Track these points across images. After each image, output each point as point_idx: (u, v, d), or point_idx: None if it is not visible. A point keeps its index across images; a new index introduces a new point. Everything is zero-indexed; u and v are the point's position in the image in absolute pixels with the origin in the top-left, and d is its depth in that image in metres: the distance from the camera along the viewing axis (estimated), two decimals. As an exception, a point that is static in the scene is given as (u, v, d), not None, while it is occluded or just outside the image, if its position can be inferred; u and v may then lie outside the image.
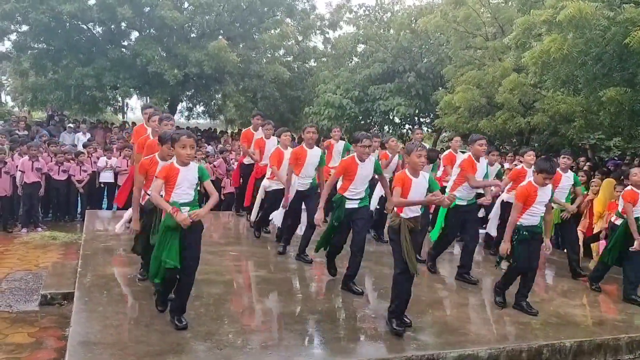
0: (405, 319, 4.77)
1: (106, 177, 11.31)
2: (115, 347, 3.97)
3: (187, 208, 4.30)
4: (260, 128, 8.46)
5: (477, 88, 14.16)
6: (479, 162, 6.29)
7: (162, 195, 4.34)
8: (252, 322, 4.74)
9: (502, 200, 7.25)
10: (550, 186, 5.36)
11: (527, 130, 14.70)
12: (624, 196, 6.15)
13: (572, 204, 7.04)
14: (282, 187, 6.98)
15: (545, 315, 5.40)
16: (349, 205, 5.55)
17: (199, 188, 4.47)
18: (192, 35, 20.07)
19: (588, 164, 11.30)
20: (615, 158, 14.95)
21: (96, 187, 11.42)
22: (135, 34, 20.00)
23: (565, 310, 5.61)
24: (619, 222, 6.20)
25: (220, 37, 18.69)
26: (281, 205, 6.75)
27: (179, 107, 23.92)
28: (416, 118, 22.30)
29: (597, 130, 12.70)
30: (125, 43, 20.04)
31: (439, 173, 8.36)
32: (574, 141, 13.90)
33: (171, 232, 4.23)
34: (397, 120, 22.23)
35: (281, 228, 7.18)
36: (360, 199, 5.61)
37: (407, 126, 22.86)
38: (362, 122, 21.85)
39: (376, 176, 5.86)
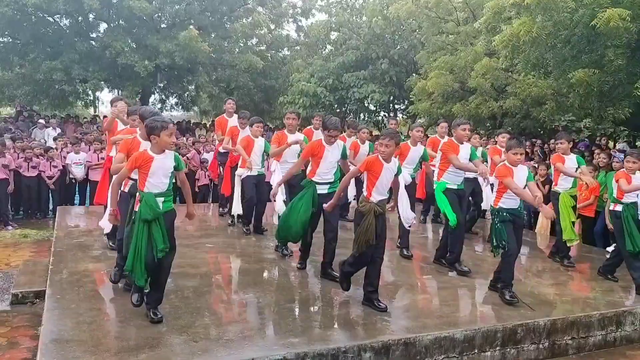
0: (380, 304, 4.81)
1: (76, 172, 11.07)
2: (88, 343, 3.91)
3: (162, 198, 4.24)
4: (234, 115, 8.41)
5: (450, 73, 14.26)
6: (462, 144, 6.24)
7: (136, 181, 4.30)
8: (228, 314, 4.71)
9: (492, 183, 7.27)
10: (525, 171, 5.34)
11: (500, 114, 14.86)
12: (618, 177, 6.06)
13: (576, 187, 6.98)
14: (255, 174, 7.10)
15: (520, 295, 5.46)
16: (320, 190, 5.55)
17: (174, 178, 4.40)
18: (162, 26, 19.76)
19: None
20: (586, 140, 15.20)
21: (67, 183, 11.18)
22: (103, 26, 19.62)
23: (539, 290, 5.71)
24: (618, 207, 6.03)
25: (191, 27, 18.43)
26: (271, 194, 6.57)
27: (151, 99, 23.57)
28: (391, 105, 22.39)
29: (568, 113, 12.89)
30: (94, 35, 19.64)
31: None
32: (546, 124, 14.08)
33: (149, 224, 4.16)
34: (372, 107, 22.31)
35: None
36: (329, 183, 5.61)
37: (382, 113, 22.95)
38: (338, 110, 21.85)
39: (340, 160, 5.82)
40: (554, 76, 10.74)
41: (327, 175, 5.62)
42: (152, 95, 23.50)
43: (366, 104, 21.47)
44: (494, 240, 5.27)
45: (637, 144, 14.39)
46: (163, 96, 24.26)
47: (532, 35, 9.16)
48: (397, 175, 4.99)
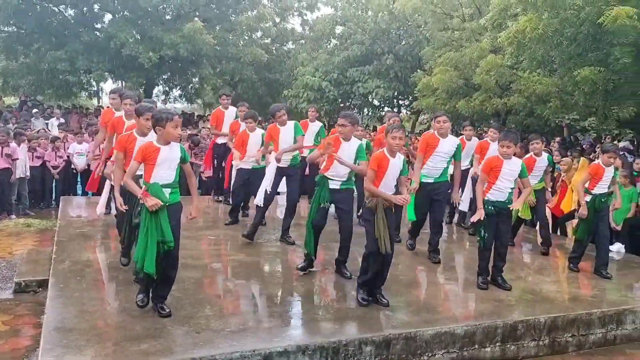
0: (382, 299, 4.81)
1: (78, 162, 11.09)
2: (91, 332, 3.93)
3: (169, 190, 4.24)
4: (230, 107, 8.47)
5: (454, 70, 14.23)
6: (443, 138, 6.27)
7: (141, 176, 4.26)
8: (230, 305, 4.73)
9: (473, 176, 7.32)
10: (518, 161, 5.42)
11: (504, 111, 14.84)
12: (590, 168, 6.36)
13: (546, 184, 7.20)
14: (249, 168, 7.13)
15: (520, 292, 5.49)
16: (332, 185, 5.45)
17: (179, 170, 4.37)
18: (166, 17, 19.74)
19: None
20: (591, 139, 15.18)
21: (71, 174, 11.22)
22: (108, 17, 19.62)
23: (540, 287, 5.71)
24: (587, 198, 6.27)
25: (195, 18, 18.41)
26: (275, 157, 6.53)
27: (155, 90, 23.59)
28: (395, 100, 22.36)
29: (572, 111, 12.87)
30: (99, 26, 19.65)
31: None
32: (550, 122, 14.06)
33: (156, 215, 4.15)
34: (376, 102, 22.29)
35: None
36: (342, 180, 5.48)
37: (386, 108, 22.92)
38: (342, 104, 21.83)
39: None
40: (559, 74, 10.73)
41: (339, 172, 5.44)
42: (156, 87, 23.52)
43: (370, 99, 21.46)
44: (477, 233, 5.55)
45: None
46: (167, 88, 24.28)
47: (538, 33, 9.14)
48: (402, 174, 4.90)
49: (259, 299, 4.95)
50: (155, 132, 4.27)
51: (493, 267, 5.57)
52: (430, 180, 6.28)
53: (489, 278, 5.55)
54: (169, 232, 4.16)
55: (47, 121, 14.76)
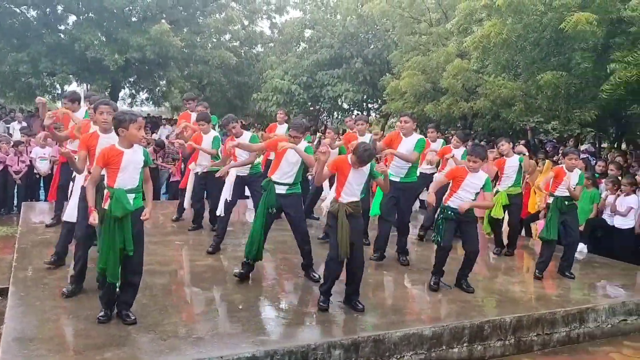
0: (358, 305, 4.81)
1: (41, 167, 10.81)
2: (52, 342, 3.83)
3: (133, 195, 4.16)
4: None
5: (422, 73, 14.39)
6: (405, 137, 6.36)
7: (104, 180, 4.16)
8: (197, 312, 4.67)
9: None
10: (484, 176, 5.47)
11: (471, 115, 15.06)
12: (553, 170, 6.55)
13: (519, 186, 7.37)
14: (203, 172, 7.19)
15: (487, 293, 5.58)
16: (278, 190, 5.39)
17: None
18: (133, 19, 19.44)
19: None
20: (554, 140, 15.55)
21: (34, 179, 10.92)
22: (72, 18, 19.18)
23: (506, 287, 5.81)
24: (550, 200, 6.39)
25: (162, 20, 18.17)
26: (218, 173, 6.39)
27: (121, 94, 23.18)
28: (364, 104, 22.47)
29: (536, 114, 13.14)
30: (62, 27, 19.19)
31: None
32: (515, 125, 14.33)
33: (120, 222, 4.06)
34: (345, 106, 22.35)
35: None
36: (288, 184, 5.43)
37: (355, 112, 23.01)
38: (311, 107, 21.86)
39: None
40: (523, 78, 10.95)
41: (287, 175, 5.41)
42: (122, 90, 23.11)
43: (340, 103, 21.52)
44: (435, 232, 5.65)
45: (602, 145, 14.78)
46: (133, 91, 23.88)
47: (502, 37, 9.31)
48: (373, 177, 4.93)
49: (227, 304, 4.90)
50: (118, 134, 4.18)
51: (459, 272, 5.65)
52: (397, 179, 6.31)
53: (442, 279, 5.63)
54: (130, 240, 4.08)
55: (8, 125, 14.35)
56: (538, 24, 9.23)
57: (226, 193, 6.44)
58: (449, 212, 5.46)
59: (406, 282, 5.92)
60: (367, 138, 6.98)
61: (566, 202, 6.25)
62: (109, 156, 4.10)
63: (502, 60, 10.65)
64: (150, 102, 25.22)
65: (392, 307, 5.03)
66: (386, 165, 5.89)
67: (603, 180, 8.54)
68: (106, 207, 4.10)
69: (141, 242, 4.26)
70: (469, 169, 5.43)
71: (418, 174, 6.77)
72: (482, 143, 12.01)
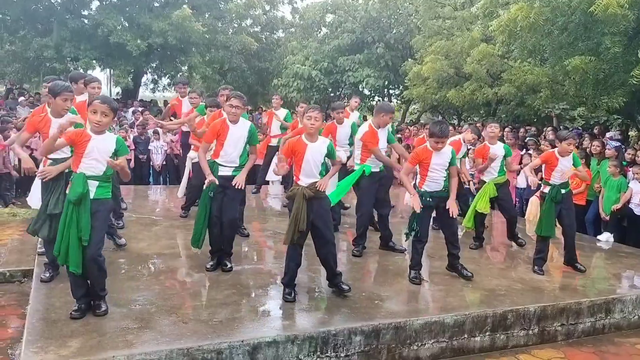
0: (343, 286, 4.71)
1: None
2: (76, 323, 3.87)
3: (96, 182, 3.98)
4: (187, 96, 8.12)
5: (445, 59, 14.18)
6: (379, 129, 6.06)
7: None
8: (219, 296, 4.66)
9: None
10: (448, 150, 5.25)
11: (495, 101, 14.82)
12: (541, 156, 6.18)
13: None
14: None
15: (511, 281, 5.48)
16: (222, 172, 5.19)
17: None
18: (155, 5, 19.51)
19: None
20: (579, 128, 15.22)
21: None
22: (95, 3, 19.34)
23: (529, 277, 5.71)
24: (547, 189, 5.95)
25: (184, 6, 18.20)
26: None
27: (144, 79, 23.35)
28: (385, 90, 22.28)
29: (562, 101, 12.85)
30: (86, 13, 19.35)
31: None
32: (540, 112, 14.06)
33: (77, 207, 3.89)
34: (366, 92, 22.20)
35: None
36: (234, 166, 5.23)
37: (376, 98, 22.84)
38: (332, 94, 21.73)
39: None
40: (550, 63, 10.68)
41: (231, 157, 5.20)
42: (145, 75, 23.28)
43: (361, 89, 21.36)
44: (409, 225, 5.28)
45: (629, 133, 14.42)
46: (155, 76, 24.04)
47: (530, 21, 9.08)
48: (328, 156, 4.66)
49: (248, 289, 4.90)
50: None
51: (449, 255, 5.49)
52: (377, 170, 6.11)
53: (421, 272, 5.37)
54: (86, 229, 3.88)
55: (33, 109, 14.53)
56: (567, 7, 8.96)
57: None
58: (427, 199, 5.19)
59: (429, 269, 5.84)
60: (348, 125, 7.01)
61: (562, 190, 5.86)
62: (76, 137, 3.95)
63: (529, 45, 10.39)
64: (172, 88, 25.37)
65: (414, 294, 4.98)
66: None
67: (630, 169, 8.31)
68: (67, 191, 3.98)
69: (99, 235, 4.04)
70: (432, 149, 5.16)
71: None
72: (507, 129, 11.78)
